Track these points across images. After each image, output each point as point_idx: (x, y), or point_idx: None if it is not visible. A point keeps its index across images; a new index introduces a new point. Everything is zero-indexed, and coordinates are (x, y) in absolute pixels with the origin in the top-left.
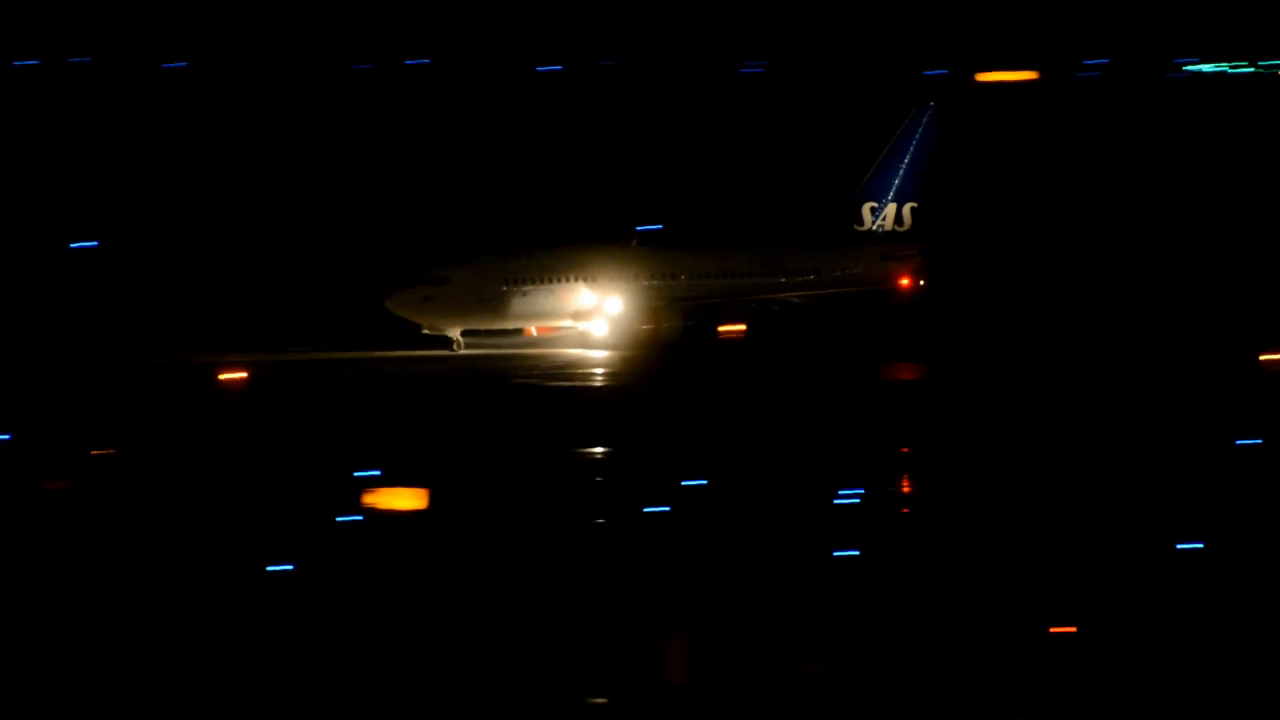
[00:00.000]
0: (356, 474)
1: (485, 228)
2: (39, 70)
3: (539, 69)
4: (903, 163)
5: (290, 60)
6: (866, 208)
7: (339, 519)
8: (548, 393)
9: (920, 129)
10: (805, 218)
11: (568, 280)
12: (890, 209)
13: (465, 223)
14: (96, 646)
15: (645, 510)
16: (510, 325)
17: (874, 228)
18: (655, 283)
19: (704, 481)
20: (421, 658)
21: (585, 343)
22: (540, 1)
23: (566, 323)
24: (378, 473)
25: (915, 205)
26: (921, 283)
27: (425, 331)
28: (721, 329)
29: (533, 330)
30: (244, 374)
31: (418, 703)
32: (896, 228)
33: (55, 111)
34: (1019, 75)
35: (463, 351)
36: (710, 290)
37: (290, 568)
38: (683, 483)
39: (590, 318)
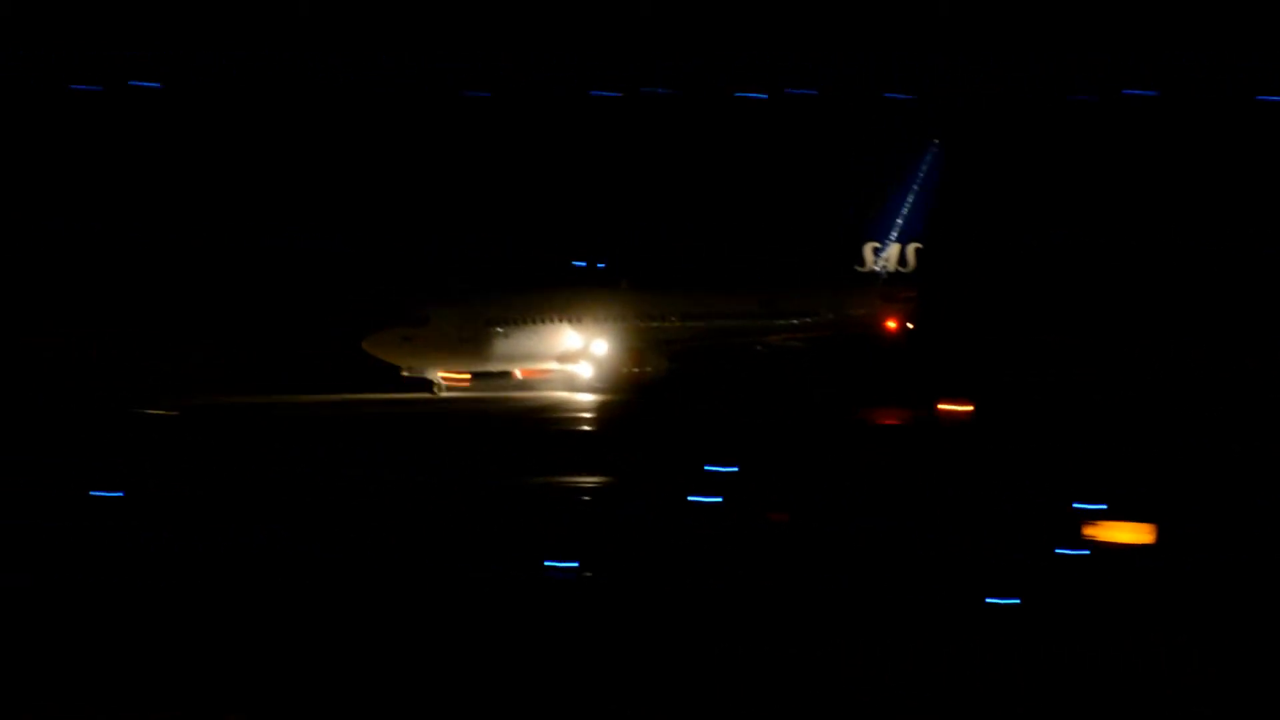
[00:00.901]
0: (1076, 504)
1: (469, 267)
2: None
3: (531, 101)
4: (906, 201)
5: (271, 83)
6: (869, 248)
7: (1059, 550)
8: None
9: (925, 166)
10: (805, 258)
11: (552, 321)
12: (893, 249)
13: (448, 261)
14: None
15: None
16: (494, 367)
17: (876, 268)
18: (644, 324)
19: None
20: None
21: (572, 385)
22: (530, 29)
23: (553, 365)
24: (1103, 506)
25: (919, 245)
26: (910, 326)
27: (405, 374)
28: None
29: (518, 373)
30: (969, 407)
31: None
32: (900, 268)
33: None
34: None
35: (444, 394)
36: (702, 332)
37: (1015, 602)
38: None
39: (576, 360)
